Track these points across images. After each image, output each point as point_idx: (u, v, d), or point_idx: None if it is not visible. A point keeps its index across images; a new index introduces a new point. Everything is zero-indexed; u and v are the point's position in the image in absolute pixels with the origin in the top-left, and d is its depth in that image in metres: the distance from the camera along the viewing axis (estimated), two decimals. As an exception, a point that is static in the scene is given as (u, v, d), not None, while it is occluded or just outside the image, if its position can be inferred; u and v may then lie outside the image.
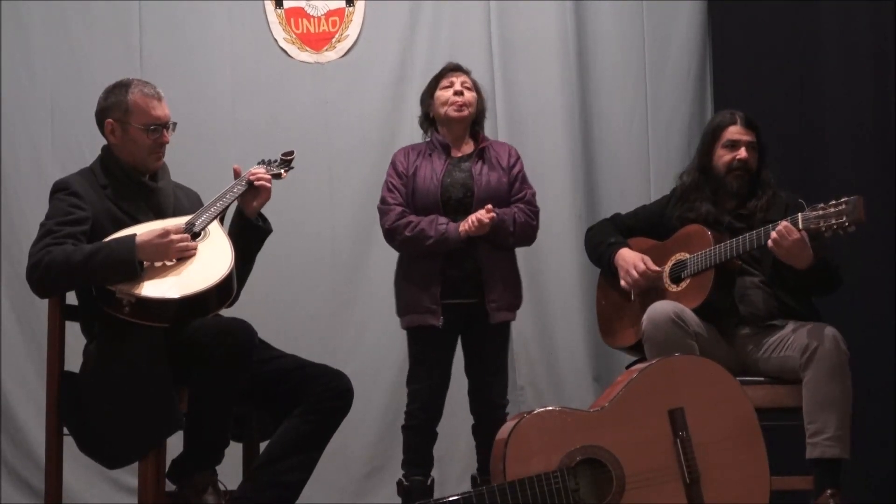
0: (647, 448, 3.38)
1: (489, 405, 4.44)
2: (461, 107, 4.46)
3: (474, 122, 4.56)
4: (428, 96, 4.57)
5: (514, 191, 4.48)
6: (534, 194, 4.53)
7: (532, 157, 5.69)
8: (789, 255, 3.94)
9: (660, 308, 4.02)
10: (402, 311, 4.47)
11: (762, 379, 4.08)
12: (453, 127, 4.50)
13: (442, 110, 4.48)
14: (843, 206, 3.79)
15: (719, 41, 5.77)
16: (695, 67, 5.82)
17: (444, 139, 4.51)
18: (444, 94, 4.49)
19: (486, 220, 4.27)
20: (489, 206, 4.30)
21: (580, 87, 5.75)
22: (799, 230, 3.88)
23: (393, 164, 4.54)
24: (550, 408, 3.47)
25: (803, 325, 4.03)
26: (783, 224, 3.92)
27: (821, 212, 3.85)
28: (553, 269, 5.65)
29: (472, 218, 4.28)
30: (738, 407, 3.47)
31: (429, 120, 4.58)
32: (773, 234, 3.92)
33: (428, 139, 4.59)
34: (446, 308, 4.36)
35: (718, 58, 5.77)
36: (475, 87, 4.54)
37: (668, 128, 5.79)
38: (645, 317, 4.04)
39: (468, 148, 4.53)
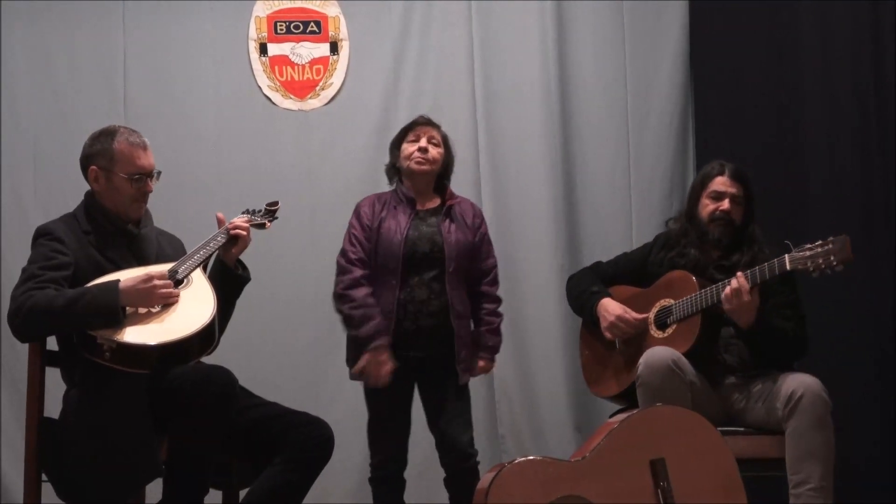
0: (629, 498, 3.36)
1: (461, 456, 4.37)
2: (422, 161, 4.41)
3: (440, 176, 4.50)
4: (395, 146, 4.52)
5: (482, 253, 4.45)
6: (496, 266, 4.52)
7: (515, 207, 5.74)
8: (735, 312, 4.01)
9: (658, 354, 3.99)
10: (354, 362, 4.38)
11: (744, 429, 4.07)
12: (416, 180, 4.44)
13: (405, 164, 4.43)
14: (831, 246, 3.82)
15: (701, 91, 5.83)
16: (677, 117, 5.87)
17: (409, 192, 4.45)
18: (408, 148, 4.43)
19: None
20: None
21: (563, 137, 5.78)
22: (752, 286, 3.96)
23: (357, 215, 4.45)
24: (532, 457, 3.45)
25: (787, 375, 4.04)
26: (736, 281, 3.97)
27: (808, 252, 3.87)
28: (535, 319, 5.66)
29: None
30: (719, 457, 3.47)
31: (395, 168, 4.53)
32: (726, 290, 3.98)
33: (393, 188, 4.54)
34: (399, 359, 4.29)
35: (700, 108, 5.82)
36: (443, 142, 4.49)
37: (650, 177, 5.83)
38: (642, 361, 4.00)
39: (433, 203, 4.48)
